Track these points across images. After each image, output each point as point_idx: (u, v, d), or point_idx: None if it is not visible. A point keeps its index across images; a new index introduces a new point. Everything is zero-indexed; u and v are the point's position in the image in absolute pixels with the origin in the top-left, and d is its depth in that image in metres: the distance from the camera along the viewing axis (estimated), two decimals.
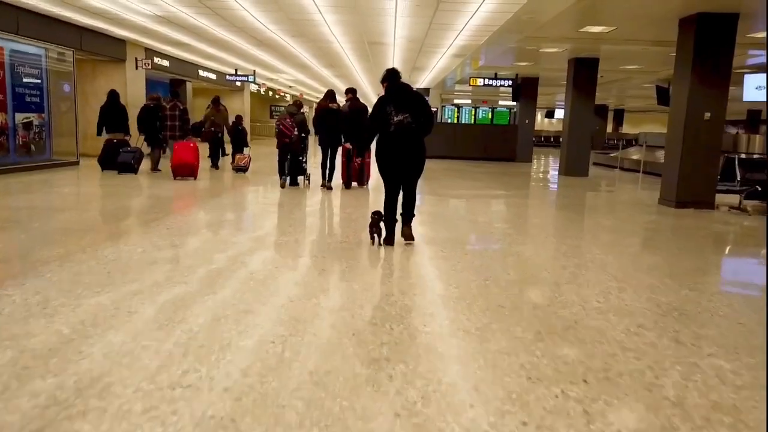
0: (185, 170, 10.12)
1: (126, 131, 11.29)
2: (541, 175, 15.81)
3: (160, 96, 11.94)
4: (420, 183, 5.72)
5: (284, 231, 6.72)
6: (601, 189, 13.00)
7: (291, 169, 9.73)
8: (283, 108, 14.95)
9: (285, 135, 9.36)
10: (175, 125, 10.90)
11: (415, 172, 5.39)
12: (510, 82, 17.80)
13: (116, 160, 10.67)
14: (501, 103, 31.07)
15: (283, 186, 9.72)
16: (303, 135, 9.62)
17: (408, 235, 5.39)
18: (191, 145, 10.32)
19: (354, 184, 10.28)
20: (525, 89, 19.22)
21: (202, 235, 6.02)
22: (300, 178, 10.08)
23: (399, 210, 5.43)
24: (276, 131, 9.58)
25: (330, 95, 9.61)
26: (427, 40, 13.30)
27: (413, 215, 5.50)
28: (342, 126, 9.38)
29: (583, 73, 14.11)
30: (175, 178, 10.15)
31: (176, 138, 10.72)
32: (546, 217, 8.71)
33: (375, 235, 5.37)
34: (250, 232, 6.47)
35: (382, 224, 5.34)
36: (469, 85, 17.82)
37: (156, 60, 16.06)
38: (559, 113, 37.26)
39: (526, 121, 19.85)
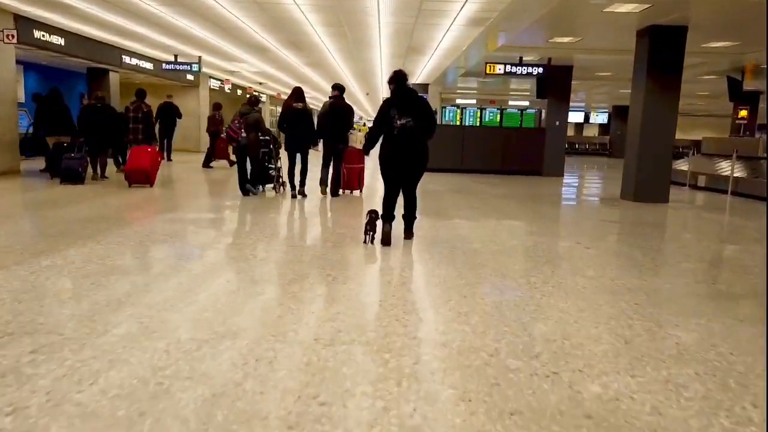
0: (140, 176, 9.34)
1: (73, 133, 9.99)
2: (595, 201, 11.07)
3: (84, 93, 11.45)
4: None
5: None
6: (744, 234, 7.32)
7: (254, 176, 8.88)
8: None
9: (232, 138, 8.49)
10: (138, 128, 10.33)
11: (416, 174, 5.52)
12: (540, 70, 13.07)
13: (60, 166, 9.55)
14: (512, 103, 26.40)
15: (245, 194, 8.75)
16: (267, 137, 8.90)
17: (408, 234, 5.70)
18: (148, 149, 9.66)
19: (341, 191, 9.23)
20: (554, 82, 14.55)
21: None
22: (266, 187, 9.24)
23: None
24: (225, 135, 9.10)
25: (295, 93, 8.50)
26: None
27: (415, 217, 5.75)
28: (315, 125, 8.67)
29: (665, 48, 9.39)
30: (130, 186, 9.34)
31: (139, 142, 10.11)
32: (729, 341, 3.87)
33: (370, 233, 5.42)
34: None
35: (378, 223, 5.44)
36: (485, 74, 13.09)
37: (38, 34, 11.24)
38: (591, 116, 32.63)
39: (557, 123, 15.12)
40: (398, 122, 5.11)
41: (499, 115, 26.30)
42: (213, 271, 4.58)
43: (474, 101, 26.55)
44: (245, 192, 8.68)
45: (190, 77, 19.89)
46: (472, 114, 26.33)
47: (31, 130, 11.97)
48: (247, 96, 9.81)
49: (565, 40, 11.17)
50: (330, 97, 8.86)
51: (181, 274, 4.31)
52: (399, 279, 4.56)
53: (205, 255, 5.14)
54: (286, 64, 17.03)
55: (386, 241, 5.40)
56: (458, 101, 26.52)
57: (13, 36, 9.86)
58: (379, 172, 5.70)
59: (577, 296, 3.97)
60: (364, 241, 5.48)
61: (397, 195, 5.51)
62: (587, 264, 5.06)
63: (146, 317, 3.21)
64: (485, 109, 26.39)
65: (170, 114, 14.76)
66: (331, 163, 8.81)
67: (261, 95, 28.20)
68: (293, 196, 8.65)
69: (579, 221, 7.99)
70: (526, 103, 26.28)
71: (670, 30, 9.25)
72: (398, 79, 5.24)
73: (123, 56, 15.03)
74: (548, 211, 8.72)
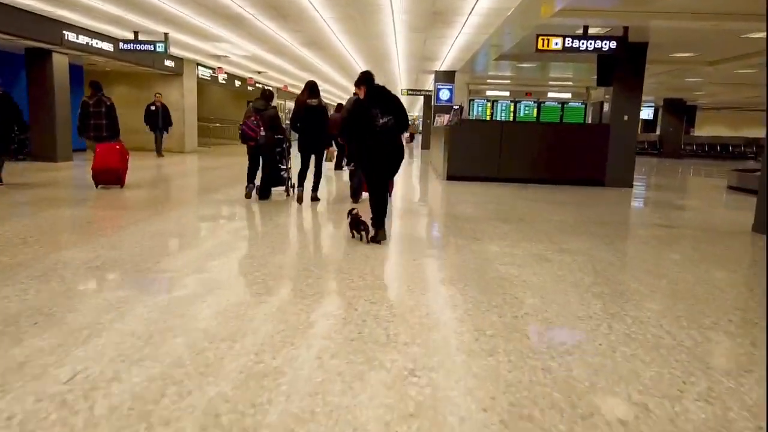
0: (109, 176, 8.65)
1: None
2: (714, 236, 7.45)
3: None
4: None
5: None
6: None
7: (265, 179, 7.89)
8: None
9: (249, 137, 7.47)
10: (101, 124, 9.14)
11: (395, 169, 5.54)
12: (612, 45, 9.52)
13: None
14: (551, 95, 22.73)
15: (248, 196, 7.84)
16: (280, 136, 7.89)
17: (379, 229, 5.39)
18: (116, 147, 8.82)
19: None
20: (624, 65, 11.03)
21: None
22: (278, 190, 8.20)
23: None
24: (239, 133, 7.65)
25: (309, 88, 7.43)
26: None
27: (385, 212, 5.49)
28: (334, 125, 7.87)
29: None
30: (97, 186, 8.59)
31: (103, 139, 8.98)
32: None
33: (362, 232, 5.31)
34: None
35: (368, 221, 5.35)
36: (537, 49, 9.59)
37: None
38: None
39: (625, 118, 11.51)
40: (380, 121, 5.19)
41: (535, 109, 22.61)
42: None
43: (507, 93, 22.91)
44: (265, 194, 7.90)
45: (169, 63, 16.69)
46: (504, 108, 22.69)
47: None
48: (263, 90, 7.99)
49: None
50: (354, 93, 7.31)
51: None
52: None
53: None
54: (277, 45, 13.68)
55: (377, 238, 5.30)
56: (488, 93, 22.94)
57: None
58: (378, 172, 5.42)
59: None
60: (352, 236, 5.43)
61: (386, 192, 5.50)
62: None
63: None
64: (519, 102, 22.72)
65: (161, 115, 15.71)
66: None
67: (265, 87, 24.97)
68: (299, 201, 7.64)
69: (739, 293, 4.50)
70: (568, 95, 22.57)
71: None
72: (368, 79, 5.37)
73: (65, 32, 11.81)
74: (669, 267, 5.22)
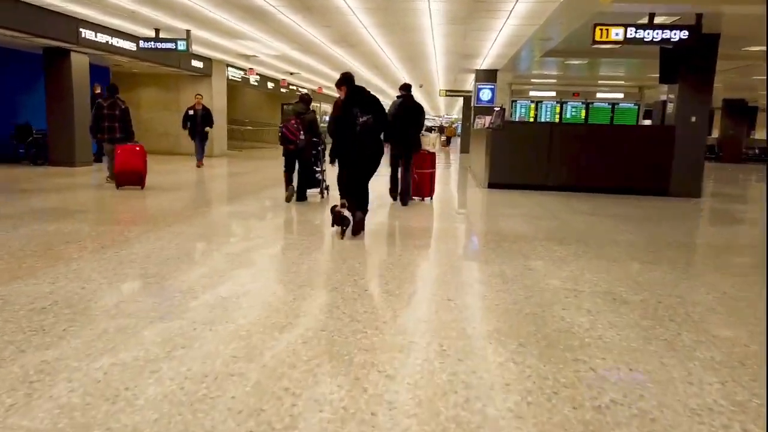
0: (132, 178, 8.82)
1: None
2: None
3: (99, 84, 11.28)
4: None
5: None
6: None
7: (301, 181, 8.02)
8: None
9: (289, 140, 7.58)
10: (114, 126, 9.26)
11: (374, 165, 5.76)
12: (684, 34, 8.25)
13: None
14: (600, 95, 21.23)
15: (288, 199, 7.91)
16: (315, 139, 8.10)
17: (359, 221, 5.59)
18: (137, 148, 8.98)
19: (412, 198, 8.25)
20: (692, 60, 9.71)
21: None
22: (312, 192, 8.25)
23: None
24: (279, 135, 7.81)
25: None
26: None
27: (366, 210, 5.74)
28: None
29: None
30: (118, 187, 8.76)
31: (116, 141, 9.14)
32: None
33: (343, 227, 5.48)
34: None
35: (346, 215, 5.50)
36: (594, 41, 8.39)
37: None
38: None
39: (692, 120, 10.15)
40: (361, 119, 5.45)
41: (584, 111, 21.13)
42: None
43: (553, 93, 21.49)
44: (302, 196, 8.02)
45: (197, 64, 16.04)
46: (549, 109, 21.28)
47: None
48: (303, 95, 8.31)
49: None
50: (398, 96, 8.26)
51: None
52: None
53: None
54: (305, 43, 12.80)
55: (358, 229, 5.59)
56: (532, 93, 21.58)
57: None
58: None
59: None
60: (342, 236, 5.50)
61: (352, 180, 5.68)
62: None
63: None
64: (566, 103, 21.27)
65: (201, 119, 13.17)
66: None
67: (298, 90, 24.28)
68: (343, 206, 7.29)
69: None
70: (618, 95, 21.02)
71: None
72: (348, 80, 5.57)
73: (81, 29, 11.17)
74: None
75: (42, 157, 12.33)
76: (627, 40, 8.36)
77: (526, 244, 5.49)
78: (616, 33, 8.36)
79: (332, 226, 5.61)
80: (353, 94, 5.56)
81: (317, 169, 8.24)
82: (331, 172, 7.75)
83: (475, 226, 6.87)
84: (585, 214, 7.72)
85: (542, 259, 4.90)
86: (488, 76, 16.61)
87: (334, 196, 7.72)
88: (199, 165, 13.17)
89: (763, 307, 3.75)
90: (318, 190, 8.30)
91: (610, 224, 6.94)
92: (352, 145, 5.51)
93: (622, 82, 19.83)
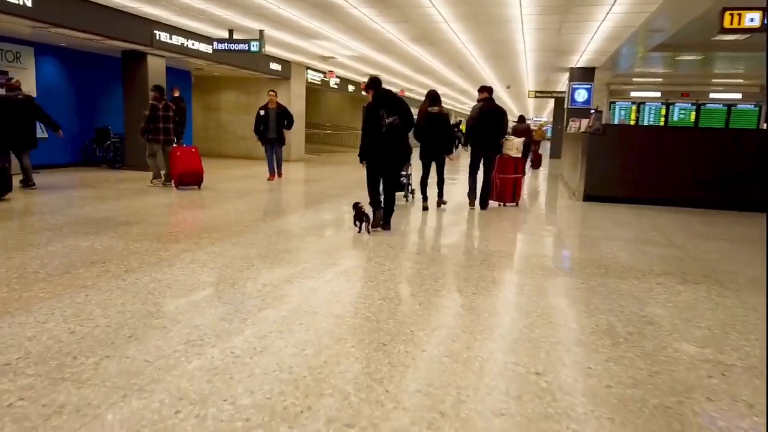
0: (193, 179, 9.19)
1: None
2: None
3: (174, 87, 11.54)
4: None
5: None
6: None
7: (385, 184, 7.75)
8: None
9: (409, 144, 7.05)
10: (169, 128, 9.48)
11: (398, 165, 6.16)
12: None
13: None
14: (713, 96, 18.94)
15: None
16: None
17: (386, 223, 5.96)
18: (192, 150, 9.46)
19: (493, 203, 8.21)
20: None
21: None
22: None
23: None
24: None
25: (430, 97, 7.71)
26: None
27: (392, 210, 6.02)
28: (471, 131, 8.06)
29: None
30: (177, 188, 9.07)
31: (171, 143, 9.53)
32: None
33: (363, 222, 5.79)
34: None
35: (366, 212, 5.82)
36: (722, 29, 6.95)
37: None
38: None
39: None
40: (386, 121, 5.69)
41: (693, 113, 18.91)
42: None
43: (657, 94, 19.43)
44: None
45: (275, 67, 15.70)
46: (653, 111, 19.23)
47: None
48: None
49: None
50: (478, 100, 8.09)
51: None
52: None
53: None
54: (383, 41, 11.99)
55: (378, 224, 5.92)
56: (633, 94, 19.63)
57: None
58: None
59: None
60: (359, 231, 5.84)
61: (379, 184, 5.96)
62: None
63: None
64: (673, 104, 19.15)
65: (275, 122, 10.98)
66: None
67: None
68: (425, 209, 7.73)
69: None
70: (736, 96, 18.66)
71: None
72: (375, 83, 5.89)
73: (156, 31, 10.96)
74: None
75: (120, 161, 12.33)
76: (765, 26, 6.86)
77: (638, 282, 4.30)
78: (751, 18, 6.91)
79: (354, 223, 5.88)
80: (380, 97, 5.82)
81: (402, 173, 8.18)
82: (416, 175, 8.17)
83: (570, 252, 5.69)
84: (710, 239, 6.31)
85: (664, 307, 3.72)
86: (584, 74, 15.09)
87: (419, 199, 7.96)
88: (271, 178, 10.93)
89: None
90: (403, 193, 8.34)
91: (747, 253, 5.54)
92: (378, 145, 5.79)
93: (741, 80, 17.52)
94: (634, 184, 9.00)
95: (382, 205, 5.94)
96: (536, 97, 21.29)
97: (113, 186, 9.45)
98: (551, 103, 25.82)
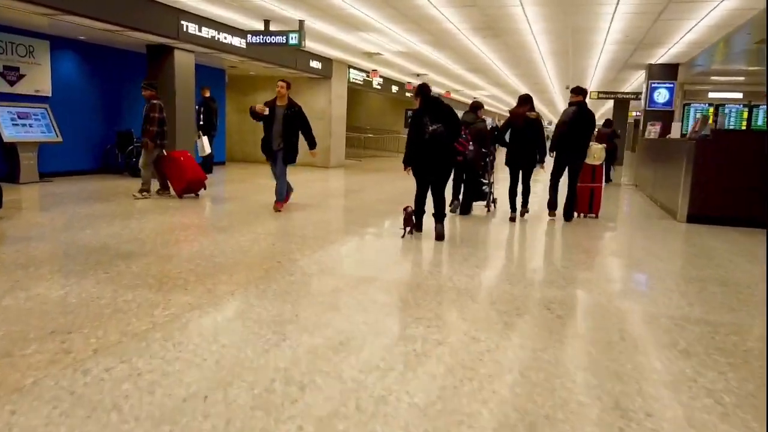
0: (198, 186, 8.57)
1: None
2: None
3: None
4: None
5: None
6: None
7: (466, 192, 7.67)
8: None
9: (457, 152, 6.17)
10: (164, 131, 8.32)
11: (445, 173, 5.87)
12: None
13: None
14: None
15: (452, 210, 7.50)
16: (484, 150, 7.71)
17: (440, 234, 5.78)
18: (188, 154, 8.95)
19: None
20: None
21: None
22: (476, 205, 7.98)
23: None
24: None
25: (524, 100, 7.21)
26: None
27: (444, 215, 5.88)
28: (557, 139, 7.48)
29: None
30: (181, 197, 8.29)
31: (164, 147, 8.35)
32: None
33: (410, 227, 5.84)
34: None
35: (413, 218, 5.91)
36: None
37: None
38: None
39: None
40: (430, 128, 5.58)
41: None
42: None
43: (739, 95, 17.33)
44: (466, 209, 7.68)
45: (315, 65, 14.33)
46: (734, 114, 17.13)
47: None
48: (473, 102, 7.77)
49: None
50: (570, 103, 7.45)
51: None
52: None
53: None
54: (438, 32, 10.43)
55: (414, 228, 5.94)
56: (711, 95, 17.56)
57: None
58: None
59: None
60: (402, 236, 5.81)
61: (427, 191, 5.93)
62: None
63: None
64: (757, 106, 17.01)
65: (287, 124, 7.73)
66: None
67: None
68: (512, 219, 7.22)
69: None
70: None
71: None
72: (423, 91, 5.76)
73: (183, 22, 9.64)
74: None
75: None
76: None
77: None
78: None
79: (402, 227, 5.87)
80: (427, 104, 5.72)
81: (484, 181, 7.94)
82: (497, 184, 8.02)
83: (679, 303, 4.01)
84: None
85: None
86: (666, 72, 13.26)
87: (503, 210, 7.64)
88: (278, 208, 7.44)
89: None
90: (484, 203, 8.02)
91: None
92: (421, 152, 5.69)
93: None
94: (750, 203, 7.25)
95: (433, 211, 5.86)
96: (598, 98, 19.41)
97: (127, 201, 8.07)
98: (607, 104, 23.85)
